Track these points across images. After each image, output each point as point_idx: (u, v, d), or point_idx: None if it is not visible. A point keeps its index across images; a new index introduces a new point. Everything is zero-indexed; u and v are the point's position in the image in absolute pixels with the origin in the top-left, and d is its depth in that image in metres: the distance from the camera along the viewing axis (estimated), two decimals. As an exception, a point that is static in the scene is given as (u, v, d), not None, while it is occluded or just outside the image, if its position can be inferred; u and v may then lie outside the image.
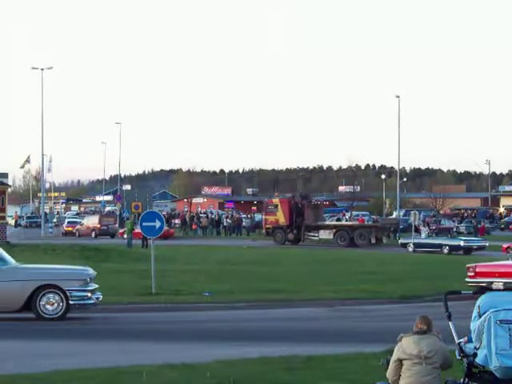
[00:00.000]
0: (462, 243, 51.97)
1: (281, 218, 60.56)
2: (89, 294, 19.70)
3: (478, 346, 7.62)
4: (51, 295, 19.31)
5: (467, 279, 25.90)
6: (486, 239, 56.97)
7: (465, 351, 7.78)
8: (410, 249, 53.11)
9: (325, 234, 59.27)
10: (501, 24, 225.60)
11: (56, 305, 19.33)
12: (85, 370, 11.82)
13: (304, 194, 65.77)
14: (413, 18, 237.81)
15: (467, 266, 26.55)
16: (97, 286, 20.40)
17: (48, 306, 19.31)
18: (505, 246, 50.68)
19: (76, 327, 19.01)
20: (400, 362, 7.70)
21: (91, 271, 20.38)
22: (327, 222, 62.06)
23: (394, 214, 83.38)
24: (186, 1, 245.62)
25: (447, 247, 51.99)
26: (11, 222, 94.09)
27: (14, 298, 19.21)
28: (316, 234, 59.72)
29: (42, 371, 11.68)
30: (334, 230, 59.14)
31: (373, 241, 57.98)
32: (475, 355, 7.62)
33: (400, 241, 56.99)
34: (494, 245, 59.79)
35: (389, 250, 53.86)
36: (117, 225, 73.53)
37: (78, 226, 73.42)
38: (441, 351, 7.67)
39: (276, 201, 63.58)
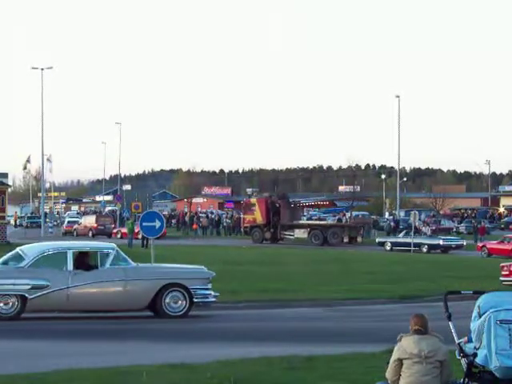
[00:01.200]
0: (441, 242, 52.47)
1: (258, 217, 61.55)
2: (211, 292, 20.40)
3: (477, 346, 7.62)
4: (176, 293, 19.96)
5: (502, 278, 25.84)
6: (463, 238, 57.88)
7: (465, 351, 7.78)
8: (388, 247, 53.56)
9: (300, 233, 60.26)
10: (501, 24, 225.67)
11: (180, 303, 19.99)
12: (85, 369, 11.81)
13: (281, 194, 66.78)
14: (413, 18, 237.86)
15: (501, 264, 26.53)
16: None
17: (172, 304, 19.94)
18: (479, 245, 51.60)
19: (76, 327, 19.02)
20: (400, 361, 7.69)
21: (211, 271, 20.97)
22: (302, 222, 62.82)
23: (392, 214, 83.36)
24: (185, 1, 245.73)
25: (426, 246, 52.52)
26: (13, 222, 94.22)
27: (140, 297, 19.81)
28: (291, 233, 60.74)
29: (41, 371, 11.67)
30: (309, 229, 60.16)
31: (345, 239, 58.83)
32: (475, 355, 7.62)
33: (377, 239, 57.81)
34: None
35: (365, 248, 54.60)
36: (113, 225, 74.06)
37: (76, 226, 74.38)
38: (441, 352, 7.66)
39: (254, 200, 64.41)
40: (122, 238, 65.77)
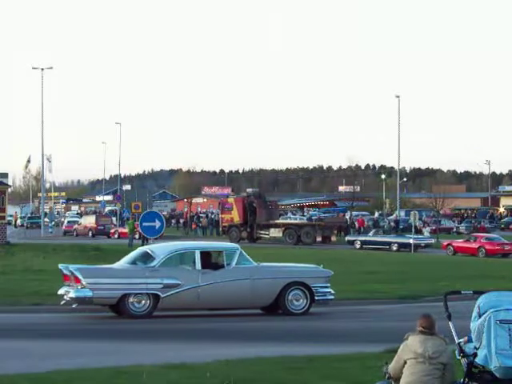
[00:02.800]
0: (411, 241, 52.80)
1: (235, 216, 62.24)
2: (331, 291, 21.07)
3: (478, 346, 7.62)
4: (297, 291, 20.60)
5: None
6: (433, 237, 58.61)
7: (465, 351, 7.78)
8: (357, 246, 54.40)
9: (275, 233, 60.85)
10: (501, 24, 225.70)
11: (301, 301, 20.63)
12: (85, 369, 11.81)
13: (258, 193, 67.07)
14: (413, 18, 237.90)
15: None
16: None
17: (295, 302, 20.58)
18: (445, 243, 52.34)
19: (76, 327, 19.02)
20: (404, 361, 7.71)
21: (329, 270, 21.60)
22: (277, 221, 63.36)
23: (394, 214, 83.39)
24: (185, 1, 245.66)
25: (396, 244, 52.94)
26: (14, 222, 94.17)
27: (265, 295, 20.46)
28: (267, 232, 61.28)
29: (42, 371, 11.67)
30: (283, 229, 60.74)
31: (318, 239, 59.31)
32: (475, 355, 7.62)
33: (347, 238, 58.27)
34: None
35: (337, 247, 55.24)
36: (112, 225, 74.61)
37: (76, 226, 74.63)
38: (445, 354, 7.65)
39: (231, 200, 65.37)
40: (119, 237, 66.08)
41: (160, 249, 20.74)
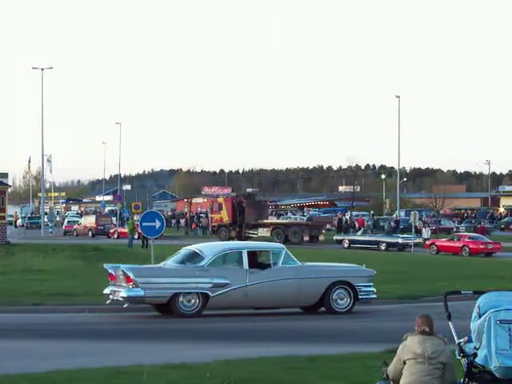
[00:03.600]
0: (399, 240, 53.07)
1: (225, 216, 62.82)
2: (374, 290, 21.52)
3: (478, 346, 7.62)
4: (341, 291, 21.02)
5: None
6: (420, 236, 58.92)
7: (465, 351, 7.78)
8: (346, 245, 54.64)
9: (263, 232, 61.32)
10: (501, 24, 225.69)
11: (345, 299, 21.06)
12: (85, 369, 11.80)
13: (247, 193, 68.67)
14: (413, 18, 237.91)
15: None
16: None
17: (339, 301, 21.02)
18: (428, 242, 52.85)
19: (75, 328, 19.02)
20: (403, 362, 7.70)
21: (372, 269, 22.14)
22: (265, 221, 63.86)
23: (394, 215, 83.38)
24: (185, 1, 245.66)
25: (384, 244, 53.11)
26: (14, 222, 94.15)
27: (311, 294, 20.85)
28: (255, 232, 61.76)
29: (42, 371, 11.67)
30: (271, 228, 61.30)
31: (305, 238, 59.66)
32: (475, 355, 7.63)
33: (335, 237, 58.63)
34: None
35: (326, 246, 55.33)
36: (112, 225, 74.64)
37: (76, 226, 74.73)
38: (444, 354, 7.65)
39: (221, 200, 66.04)
40: (118, 237, 66.21)
41: (208, 248, 21.14)
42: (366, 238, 54.90)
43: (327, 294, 20.83)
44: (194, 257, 20.64)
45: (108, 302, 20.54)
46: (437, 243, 52.06)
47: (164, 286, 19.80)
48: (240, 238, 61.29)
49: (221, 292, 20.00)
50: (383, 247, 53.06)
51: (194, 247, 21.57)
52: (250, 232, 62.01)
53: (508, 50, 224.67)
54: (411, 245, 53.03)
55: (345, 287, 21.03)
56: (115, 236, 68.05)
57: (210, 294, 19.93)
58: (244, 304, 20.61)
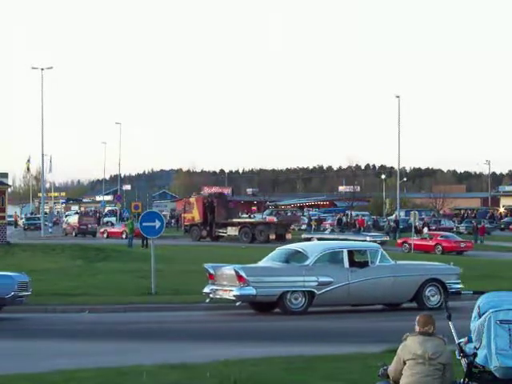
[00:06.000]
0: (367, 238, 53.32)
1: (196, 215, 64.32)
2: (462, 286, 21.92)
3: (477, 346, 7.62)
4: (432, 288, 21.82)
5: None
6: (387, 235, 59.46)
7: (465, 351, 7.77)
8: None
9: (232, 231, 62.60)
10: (501, 24, 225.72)
11: (436, 296, 21.77)
12: (85, 369, 11.80)
13: (218, 193, 69.78)
14: (413, 18, 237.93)
15: None
16: None
17: (430, 298, 21.76)
18: (399, 241, 53.40)
19: (75, 328, 19.02)
20: (403, 362, 7.69)
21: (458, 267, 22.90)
22: (234, 220, 64.72)
23: (394, 215, 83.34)
24: (185, 1, 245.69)
25: None
26: (20, 221, 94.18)
27: (406, 291, 21.69)
28: (225, 231, 63.06)
29: (42, 371, 11.66)
30: (239, 227, 62.30)
31: (272, 237, 60.47)
32: (475, 355, 7.62)
33: (303, 235, 59.15)
34: (494, 245, 60.03)
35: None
36: (96, 224, 76.05)
37: (65, 225, 75.69)
38: (445, 354, 7.64)
39: (193, 200, 67.08)
40: (108, 237, 66.70)
41: (311, 248, 22.15)
42: (334, 236, 54.93)
43: (420, 292, 21.62)
44: (298, 256, 21.48)
45: (207, 300, 21.35)
46: (409, 242, 53.04)
47: (274, 284, 20.58)
48: (211, 237, 63.19)
49: (325, 290, 20.79)
50: None
51: (297, 247, 22.70)
52: (220, 231, 63.36)
53: (508, 50, 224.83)
54: (379, 243, 53.35)
55: (436, 285, 21.84)
56: (105, 236, 68.67)
57: (315, 291, 20.71)
58: (346, 301, 21.53)
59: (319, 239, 55.78)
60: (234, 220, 64.67)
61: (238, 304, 20.78)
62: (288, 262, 21.51)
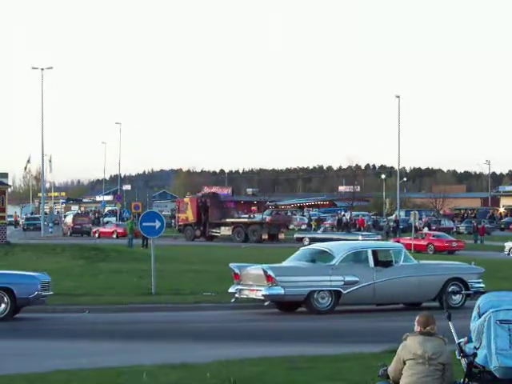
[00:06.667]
0: (360, 238, 53.45)
1: (190, 215, 65.16)
2: (483, 285, 22.19)
3: (477, 346, 7.62)
4: (454, 287, 22.07)
5: None
6: (379, 234, 59.75)
7: (465, 351, 7.77)
8: (306, 243, 54.95)
9: (225, 231, 63.47)
10: (501, 24, 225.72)
11: (458, 295, 22.14)
12: (85, 369, 11.80)
13: (211, 193, 70.06)
14: (413, 18, 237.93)
15: None
16: None
17: (453, 297, 22.01)
18: (392, 240, 54.63)
19: (76, 328, 19.01)
20: (403, 362, 7.68)
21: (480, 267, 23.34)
22: (227, 220, 65.01)
23: (394, 215, 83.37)
24: (185, 1, 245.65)
25: None
26: (21, 221, 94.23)
27: (430, 290, 21.89)
28: (218, 231, 63.81)
29: (42, 371, 11.66)
30: (232, 227, 63.00)
31: (264, 236, 61.31)
32: (475, 355, 7.62)
33: (295, 235, 59.32)
34: (494, 245, 60.06)
35: (285, 245, 55.83)
36: (90, 224, 77.47)
37: (62, 225, 76.34)
38: (445, 354, 7.63)
39: (187, 200, 68.29)
40: (99, 237, 67.05)
41: (336, 247, 22.17)
42: (327, 235, 54.91)
43: (442, 290, 21.77)
44: (324, 256, 21.65)
45: (233, 300, 21.49)
46: (401, 241, 52.85)
47: (301, 284, 20.70)
48: (204, 236, 63.64)
49: (352, 289, 20.94)
50: None
51: (322, 246, 22.75)
52: (213, 231, 63.91)
53: (508, 50, 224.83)
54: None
55: (458, 284, 22.07)
56: (96, 235, 69.09)
57: (342, 291, 20.86)
58: (371, 301, 21.73)
59: (311, 239, 56.15)
60: (228, 220, 65.02)
61: (266, 304, 20.90)
62: (314, 261, 21.68)
